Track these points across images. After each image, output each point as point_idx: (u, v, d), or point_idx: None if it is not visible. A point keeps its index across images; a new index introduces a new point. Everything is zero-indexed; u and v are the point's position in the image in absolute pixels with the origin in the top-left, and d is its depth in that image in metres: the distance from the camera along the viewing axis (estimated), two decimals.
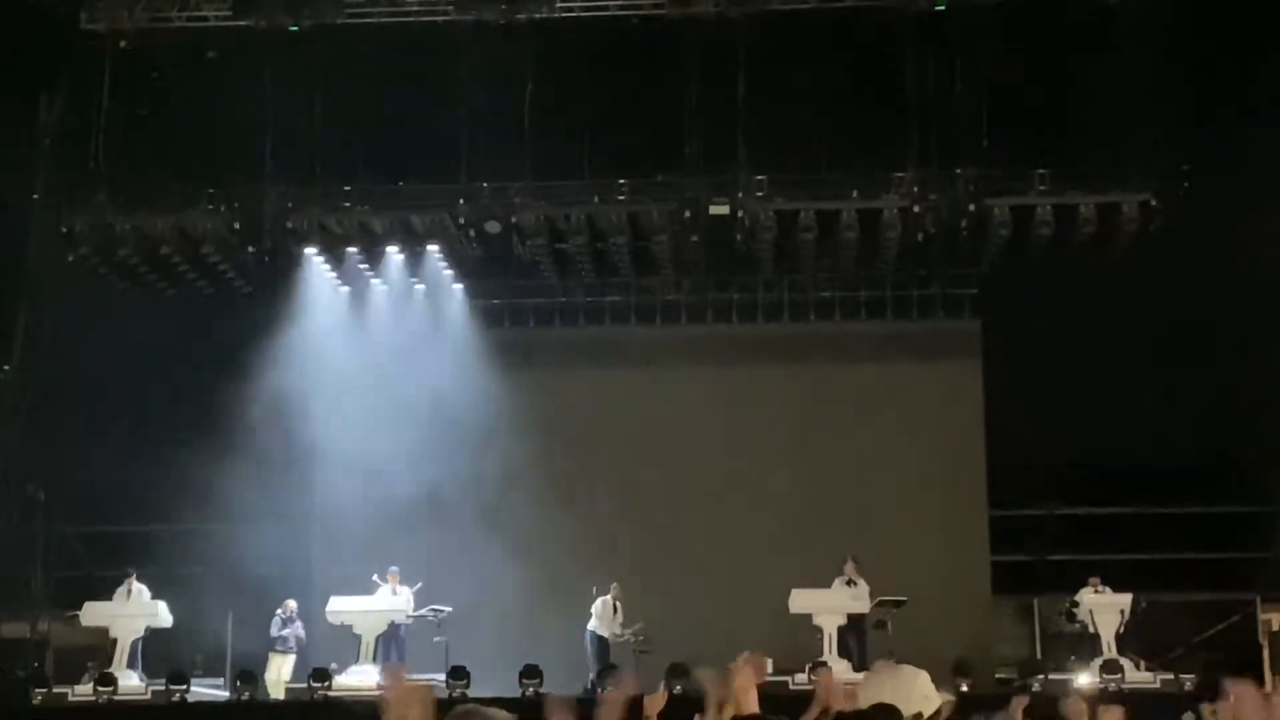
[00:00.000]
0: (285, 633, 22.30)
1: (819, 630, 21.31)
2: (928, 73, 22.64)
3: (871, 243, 24.71)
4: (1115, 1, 21.71)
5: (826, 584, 21.93)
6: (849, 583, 21.89)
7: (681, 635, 20.77)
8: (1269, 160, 21.42)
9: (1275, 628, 24.18)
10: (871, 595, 21.58)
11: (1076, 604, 21.56)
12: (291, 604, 22.48)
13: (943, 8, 22.21)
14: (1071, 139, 22.80)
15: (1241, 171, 21.84)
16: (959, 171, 23.28)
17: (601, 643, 22.12)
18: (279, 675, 21.97)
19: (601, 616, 22.24)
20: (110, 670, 20.81)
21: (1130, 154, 22.88)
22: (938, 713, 5.21)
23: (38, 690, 20.82)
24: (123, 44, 23.19)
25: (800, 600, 21.42)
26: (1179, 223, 22.88)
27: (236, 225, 24.11)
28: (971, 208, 23.54)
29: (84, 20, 22.98)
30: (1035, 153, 23.29)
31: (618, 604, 22.29)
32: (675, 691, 16.25)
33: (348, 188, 24.30)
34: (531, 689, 19.78)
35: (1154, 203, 23.13)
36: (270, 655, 22.14)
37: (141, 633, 21.47)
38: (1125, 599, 21.38)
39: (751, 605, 22.04)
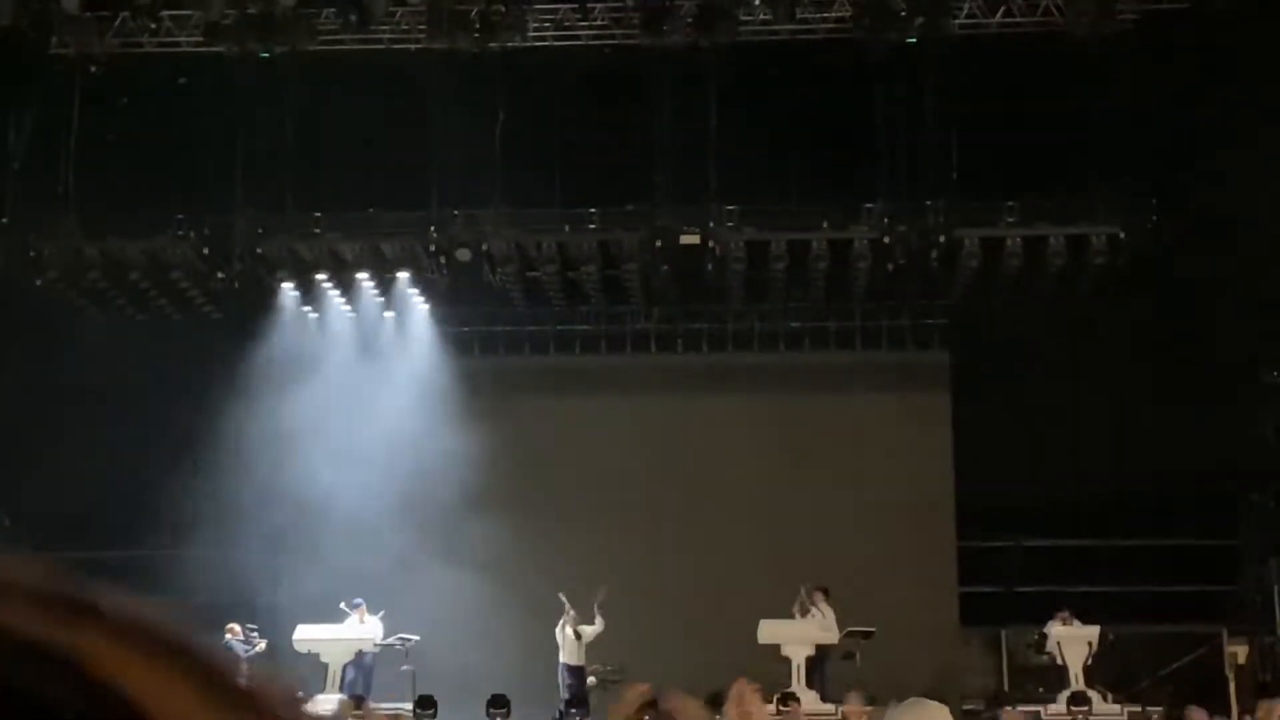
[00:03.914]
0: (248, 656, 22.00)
1: (787, 661, 21.29)
2: (898, 104, 22.78)
3: (841, 274, 24.82)
4: (1083, 34, 21.84)
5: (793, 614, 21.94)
6: (805, 612, 21.89)
7: (648, 664, 20.70)
8: (1239, 193, 21.55)
9: (1241, 660, 24.26)
10: (840, 626, 21.58)
11: (1045, 636, 21.58)
12: (237, 627, 22.11)
13: (913, 40, 22.33)
14: (1040, 171, 22.93)
15: (1212, 205, 21.97)
16: (929, 203, 23.42)
17: (572, 672, 21.97)
18: None
19: (565, 646, 22.08)
20: None
21: (1099, 187, 23.07)
22: None
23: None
24: (93, 68, 23.14)
25: (768, 631, 21.40)
26: (1147, 256, 23.09)
27: (206, 251, 24.10)
28: (941, 239, 23.68)
29: (54, 44, 22.90)
30: (1004, 184, 23.44)
31: (578, 631, 22.14)
32: None
33: (318, 214, 24.28)
34: (499, 719, 19.70)
35: (1122, 236, 23.34)
36: None
37: None
38: (1093, 631, 21.42)
39: (718, 635, 22.01)
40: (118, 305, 25.21)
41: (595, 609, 21.82)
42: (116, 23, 22.85)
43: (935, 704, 5.26)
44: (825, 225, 24.06)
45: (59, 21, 22.63)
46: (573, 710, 20.82)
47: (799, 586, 22.11)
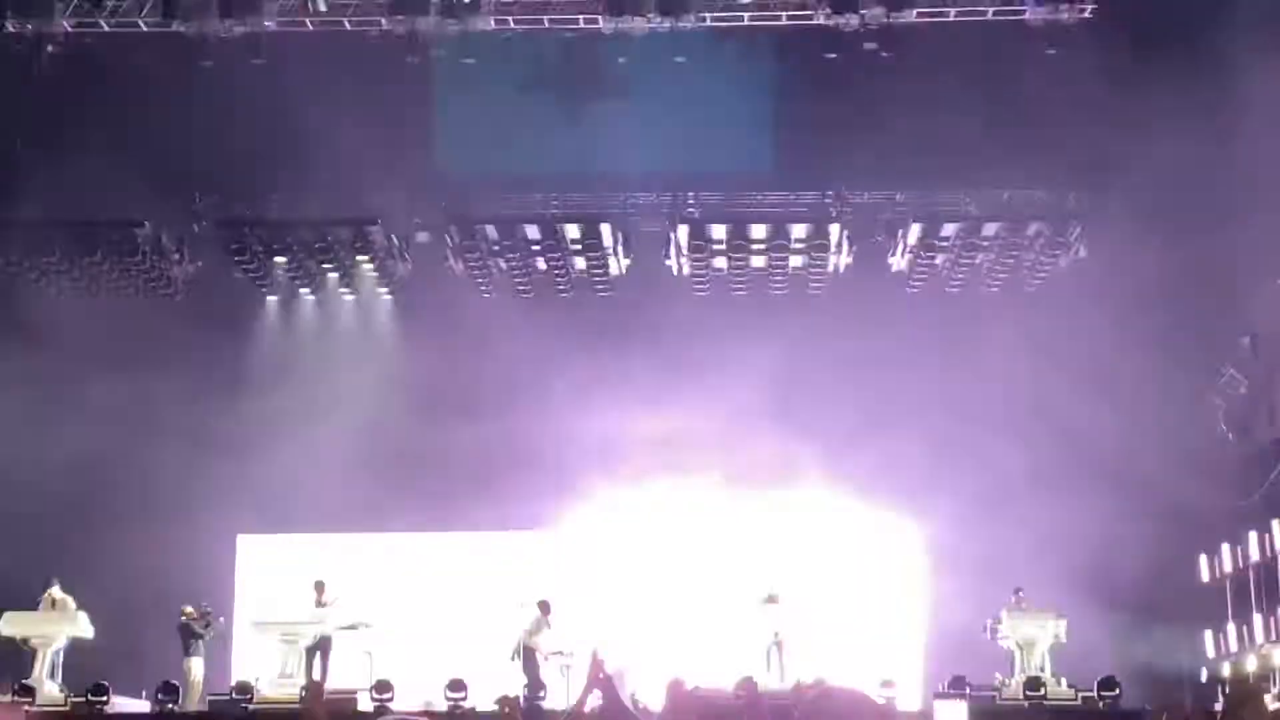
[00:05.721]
0: (204, 635, 21.86)
1: (748, 646, 21.36)
2: (859, 93, 22.80)
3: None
4: (1042, 24, 21.89)
5: (758, 601, 22.00)
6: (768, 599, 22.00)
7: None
8: (1191, 183, 21.68)
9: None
10: (800, 613, 21.61)
11: (1000, 620, 21.64)
12: (192, 609, 21.97)
13: (874, 28, 22.33)
14: (1001, 164, 23.01)
15: (1163, 194, 22.09)
16: (896, 197, 23.66)
17: (530, 655, 21.91)
18: (197, 678, 21.58)
19: (533, 631, 22.01)
20: (29, 680, 20.51)
21: (1059, 179, 23.27)
22: None
23: None
24: (50, 48, 22.92)
25: (724, 617, 21.46)
26: (1098, 241, 23.35)
27: (164, 236, 24.02)
28: (901, 231, 23.95)
29: (10, 23, 22.69)
30: (966, 177, 23.60)
31: (549, 620, 22.09)
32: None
33: (277, 196, 24.19)
34: (457, 703, 19.68)
35: (1080, 229, 23.60)
36: (191, 660, 21.62)
37: (63, 643, 21.17)
38: (1049, 616, 21.45)
39: (681, 621, 22.13)
40: (78, 288, 25.02)
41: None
42: (73, 1, 22.65)
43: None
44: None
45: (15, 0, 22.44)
46: (540, 694, 20.76)
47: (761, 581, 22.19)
